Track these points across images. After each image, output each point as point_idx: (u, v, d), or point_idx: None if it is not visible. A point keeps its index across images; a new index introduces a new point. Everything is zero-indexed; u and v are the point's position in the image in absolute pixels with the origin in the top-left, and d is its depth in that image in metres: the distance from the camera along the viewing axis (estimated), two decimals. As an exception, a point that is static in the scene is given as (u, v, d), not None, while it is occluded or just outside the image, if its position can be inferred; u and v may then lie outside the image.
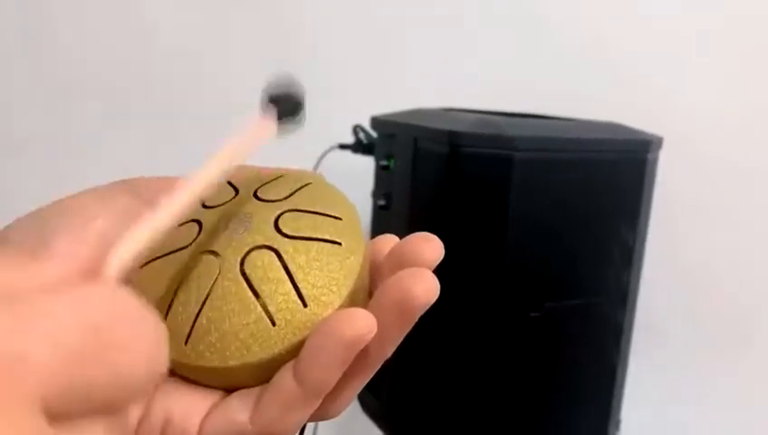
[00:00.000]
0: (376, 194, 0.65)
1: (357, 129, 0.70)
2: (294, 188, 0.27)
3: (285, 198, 0.27)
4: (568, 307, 0.58)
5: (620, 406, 0.66)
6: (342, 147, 0.72)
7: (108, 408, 0.16)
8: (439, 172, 0.55)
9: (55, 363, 0.15)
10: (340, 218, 0.26)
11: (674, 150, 0.66)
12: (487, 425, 0.58)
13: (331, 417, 0.25)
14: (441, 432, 0.58)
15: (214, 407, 0.24)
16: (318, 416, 0.25)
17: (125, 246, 0.20)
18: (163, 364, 0.18)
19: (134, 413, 0.23)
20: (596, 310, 0.60)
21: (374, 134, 0.68)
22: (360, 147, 0.70)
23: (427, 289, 0.22)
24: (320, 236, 0.25)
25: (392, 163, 0.61)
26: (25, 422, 0.14)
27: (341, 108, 0.76)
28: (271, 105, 0.25)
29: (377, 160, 0.66)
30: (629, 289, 0.62)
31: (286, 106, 0.25)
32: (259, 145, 0.25)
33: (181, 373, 0.25)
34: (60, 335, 0.15)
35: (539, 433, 0.61)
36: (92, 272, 0.18)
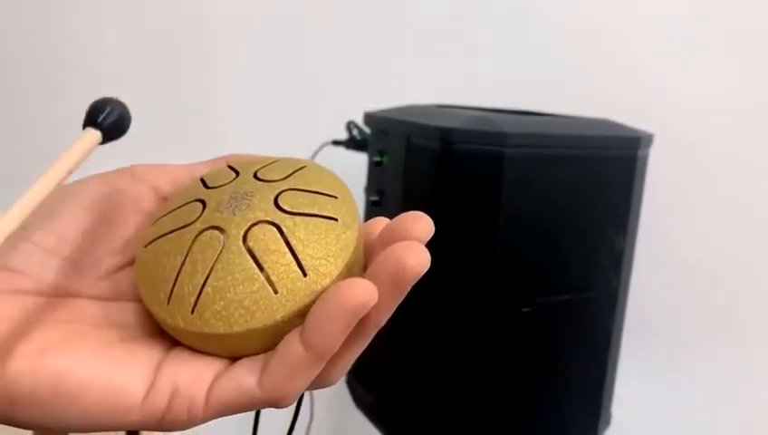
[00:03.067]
0: (369, 190, 0.65)
1: (350, 125, 0.70)
2: (292, 170, 0.29)
3: (284, 178, 0.28)
4: (558, 302, 0.59)
5: (611, 400, 0.67)
6: (336, 143, 0.72)
7: None
8: (431, 168, 0.55)
9: None
10: (336, 197, 0.28)
11: (665, 147, 0.67)
12: (479, 419, 0.58)
13: (330, 384, 0.27)
14: (433, 427, 0.59)
15: (220, 374, 0.25)
16: (318, 383, 0.26)
17: None
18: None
19: (138, 386, 0.23)
20: (586, 305, 0.60)
21: (367, 130, 0.68)
22: (354, 143, 0.70)
23: (418, 261, 0.24)
24: (317, 213, 0.27)
25: (385, 159, 0.62)
26: None
27: (335, 104, 0.76)
28: (89, 118, 0.27)
29: (370, 157, 0.66)
30: (620, 284, 0.62)
31: (104, 116, 0.27)
32: (87, 154, 0.26)
33: (187, 343, 0.26)
34: None
35: (530, 427, 0.61)
36: None
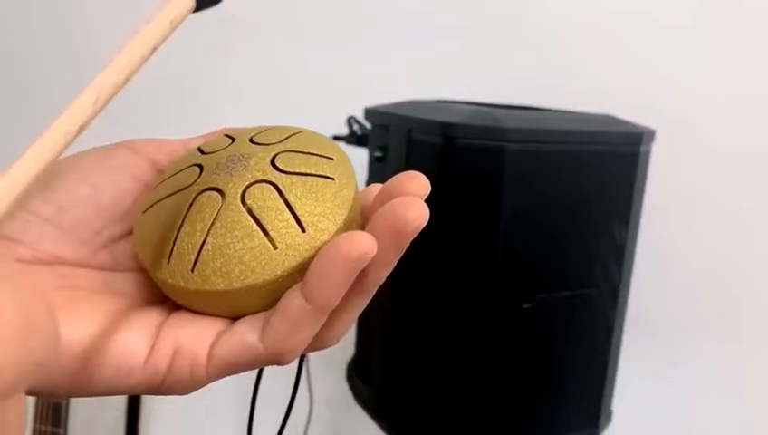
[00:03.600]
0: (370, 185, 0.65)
1: (351, 120, 0.70)
2: (288, 134, 0.29)
3: (280, 141, 0.29)
4: (559, 299, 0.58)
5: (612, 397, 0.67)
6: (336, 138, 0.72)
7: None
8: (432, 163, 0.55)
9: None
10: (332, 158, 0.28)
11: (668, 142, 0.66)
12: (478, 415, 0.58)
13: (330, 344, 0.27)
14: (433, 423, 0.59)
15: (221, 333, 0.25)
16: (319, 342, 0.26)
17: (11, 176, 0.18)
18: (41, 345, 0.16)
19: (139, 347, 0.23)
20: (587, 301, 0.60)
21: (368, 125, 0.68)
22: (355, 138, 0.70)
23: (417, 214, 0.24)
24: (314, 172, 0.27)
25: (386, 154, 0.62)
26: None
27: (336, 99, 0.76)
28: None
29: (371, 152, 0.66)
30: (621, 280, 0.62)
31: None
32: (178, 20, 0.24)
33: (188, 303, 0.26)
34: None
35: (530, 423, 0.61)
36: None
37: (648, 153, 0.62)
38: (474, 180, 0.54)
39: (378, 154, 0.63)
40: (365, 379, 0.65)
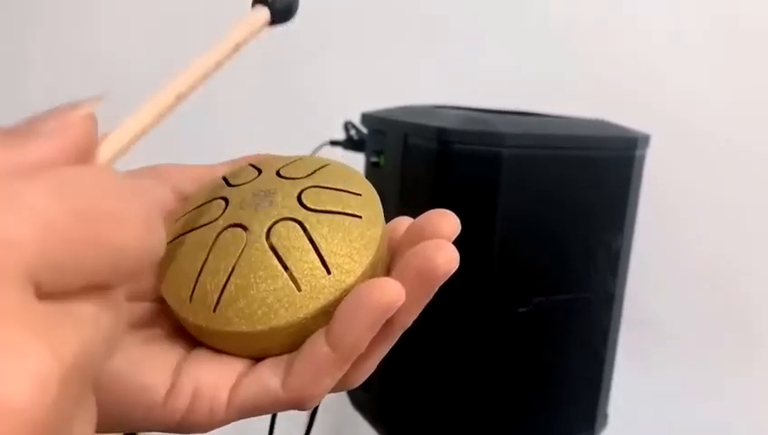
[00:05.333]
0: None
1: (348, 125, 0.70)
2: (315, 168, 0.28)
3: (307, 176, 0.28)
4: (556, 302, 0.59)
5: (608, 401, 0.67)
6: (333, 143, 0.72)
7: (101, 285, 0.16)
8: (428, 168, 0.55)
9: (40, 242, 0.14)
10: (360, 194, 0.27)
11: (666, 144, 0.67)
12: (475, 419, 0.58)
13: (353, 386, 0.26)
14: (430, 427, 0.59)
15: (242, 376, 0.24)
16: (341, 385, 0.25)
17: (116, 133, 0.19)
18: (157, 241, 0.17)
19: (160, 384, 0.23)
20: (583, 305, 0.60)
21: (365, 131, 0.68)
22: (351, 143, 0.70)
23: (448, 259, 0.23)
24: (341, 210, 0.26)
25: (382, 159, 0.62)
26: (12, 297, 0.14)
27: (333, 105, 0.76)
28: (260, 2, 0.25)
29: (367, 157, 0.66)
30: (617, 283, 0.63)
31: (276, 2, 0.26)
32: (252, 35, 0.25)
33: (209, 342, 0.25)
34: (44, 214, 0.14)
35: (527, 427, 0.61)
36: (81, 154, 0.17)
37: (642, 157, 0.62)
38: (469, 185, 0.54)
39: (374, 159, 0.63)
40: (363, 384, 0.65)
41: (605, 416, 0.67)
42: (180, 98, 0.22)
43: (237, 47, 0.24)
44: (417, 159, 0.57)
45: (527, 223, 0.56)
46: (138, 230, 0.16)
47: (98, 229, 0.15)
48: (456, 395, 0.58)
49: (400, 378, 0.60)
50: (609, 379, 0.66)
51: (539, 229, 0.57)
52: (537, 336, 0.59)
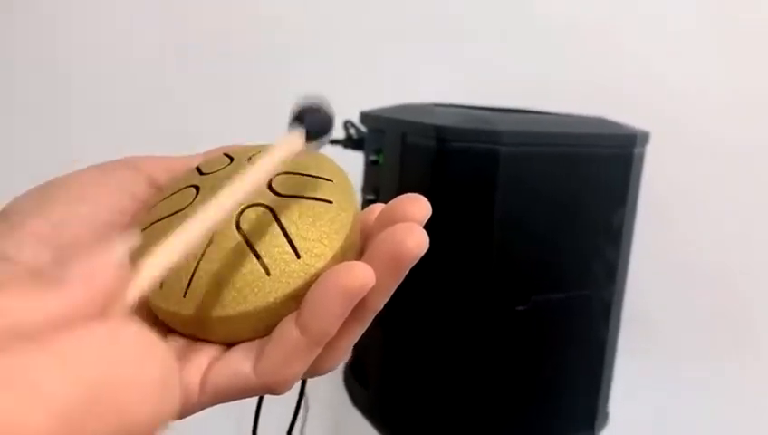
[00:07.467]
0: (365, 189, 0.65)
1: (347, 124, 0.71)
2: None
3: None
4: (554, 301, 0.59)
5: (608, 399, 0.67)
6: (333, 142, 0.72)
7: None
8: (426, 166, 0.55)
9: (54, 425, 0.14)
10: (331, 180, 0.27)
11: (665, 142, 0.67)
12: (474, 417, 0.58)
13: (326, 371, 0.26)
14: (429, 425, 0.59)
15: (214, 361, 0.24)
16: (314, 370, 0.25)
17: (146, 271, 0.19)
18: (171, 404, 0.17)
19: None
20: (582, 303, 0.60)
21: (364, 129, 0.68)
22: (350, 142, 0.70)
23: (417, 242, 0.23)
24: (311, 195, 0.26)
25: (381, 158, 0.62)
26: None
27: (332, 104, 0.76)
28: (297, 121, 0.26)
29: (366, 156, 0.66)
30: (617, 282, 0.62)
31: (312, 120, 0.26)
32: (288, 158, 0.25)
33: (181, 329, 0.25)
34: (59, 401, 0.14)
35: (526, 425, 0.61)
36: (108, 301, 0.17)
37: (641, 155, 0.62)
38: (468, 183, 0.54)
39: (373, 158, 0.63)
40: (361, 381, 0.66)
41: (605, 415, 0.67)
42: (212, 230, 0.22)
43: (274, 171, 0.25)
44: (416, 157, 0.57)
45: (526, 221, 0.56)
46: (153, 396, 0.16)
47: (113, 404, 0.15)
48: (456, 393, 0.58)
49: (399, 376, 0.60)
50: (609, 377, 0.66)
51: (537, 227, 0.57)
52: (536, 335, 0.59)
